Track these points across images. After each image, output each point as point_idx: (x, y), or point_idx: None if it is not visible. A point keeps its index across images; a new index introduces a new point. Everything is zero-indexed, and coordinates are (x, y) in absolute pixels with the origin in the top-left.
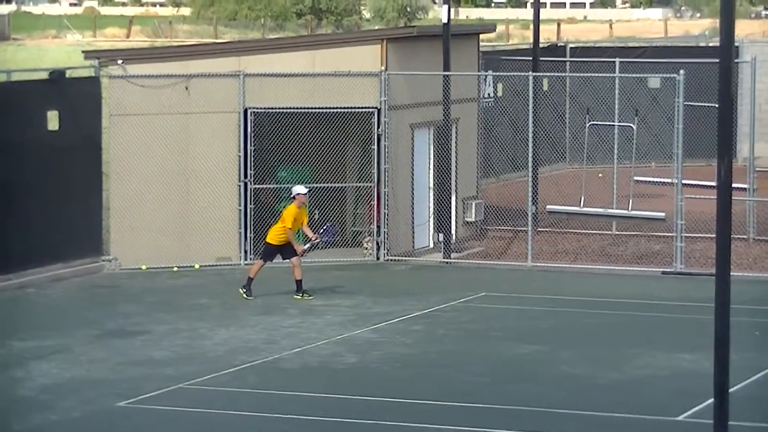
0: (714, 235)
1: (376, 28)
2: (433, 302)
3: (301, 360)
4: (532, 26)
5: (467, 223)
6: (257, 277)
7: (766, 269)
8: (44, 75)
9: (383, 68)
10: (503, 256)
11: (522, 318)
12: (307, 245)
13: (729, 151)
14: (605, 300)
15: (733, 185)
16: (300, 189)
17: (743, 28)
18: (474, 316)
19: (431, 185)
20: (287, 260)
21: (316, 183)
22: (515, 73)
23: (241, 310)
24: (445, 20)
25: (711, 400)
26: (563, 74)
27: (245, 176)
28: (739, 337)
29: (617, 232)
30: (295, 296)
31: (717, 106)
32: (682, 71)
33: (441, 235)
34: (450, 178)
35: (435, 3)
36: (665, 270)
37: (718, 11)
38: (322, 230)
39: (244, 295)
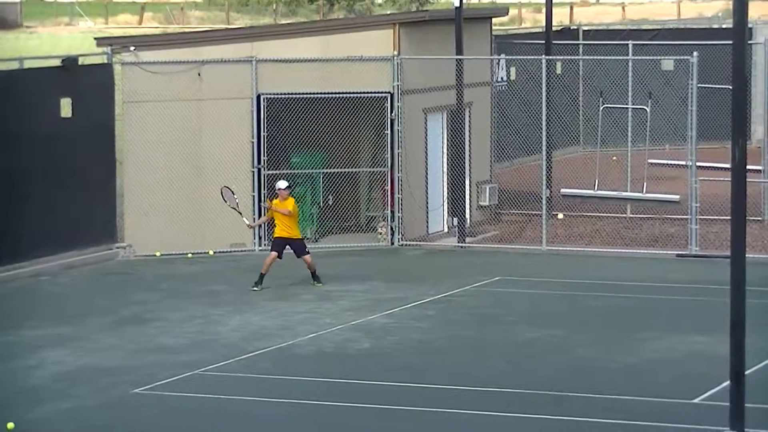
0: (729, 218)
1: (389, 12)
2: (447, 287)
3: (315, 346)
4: (544, 9)
5: (481, 207)
6: (260, 266)
7: None
8: (57, 62)
9: (396, 53)
10: (517, 240)
11: (536, 302)
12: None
13: (743, 133)
14: (620, 283)
15: (748, 167)
16: (281, 184)
17: (756, 10)
18: (488, 301)
19: (445, 170)
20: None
21: (330, 168)
22: (528, 57)
23: (255, 297)
24: (457, 4)
25: (727, 383)
26: (576, 57)
27: (259, 162)
28: (755, 319)
29: (632, 215)
30: (317, 283)
31: (731, 87)
32: (695, 53)
33: (455, 220)
34: (464, 163)
35: None
36: (680, 253)
37: None
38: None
39: (255, 288)
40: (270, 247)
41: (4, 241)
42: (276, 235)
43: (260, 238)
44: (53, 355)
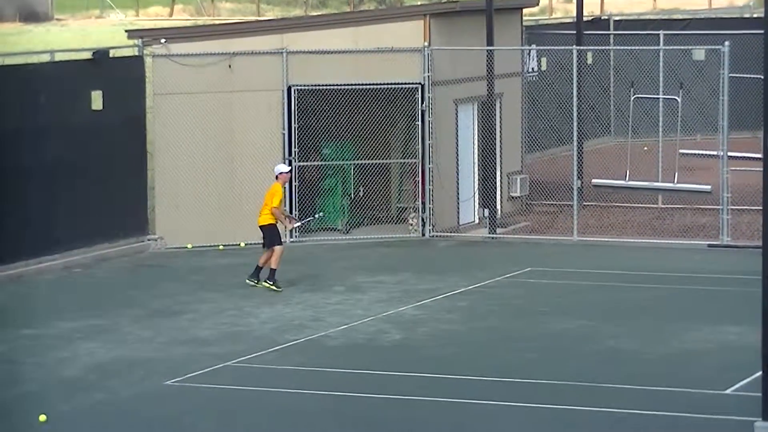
0: (760, 208)
1: (419, 3)
2: (478, 278)
3: (346, 337)
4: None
5: (512, 198)
6: (292, 258)
7: None
8: (88, 55)
9: (426, 44)
10: (549, 230)
11: (568, 293)
12: (297, 224)
13: None
14: (651, 274)
15: None
16: (283, 168)
17: None
18: (520, 292)
19: (476, 160)
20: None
21: (361, 159)
22: (559, 47)
23: (286, 288)
24: None
25: (758, 373)
26: (607, 48)
27: (290, 154)
28: None
29: (663, 206)
30: (247, 280)
31: (762, 77)
32: (727, 43)
33: (486, 211)
34: (495, 153)
35: None
36: (711, 243)
37: None
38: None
39: (274, 288)
40: (272, 243)
41: (36, 233)
42: (269, 222)
43: (291, 230)
44: (86, 346)
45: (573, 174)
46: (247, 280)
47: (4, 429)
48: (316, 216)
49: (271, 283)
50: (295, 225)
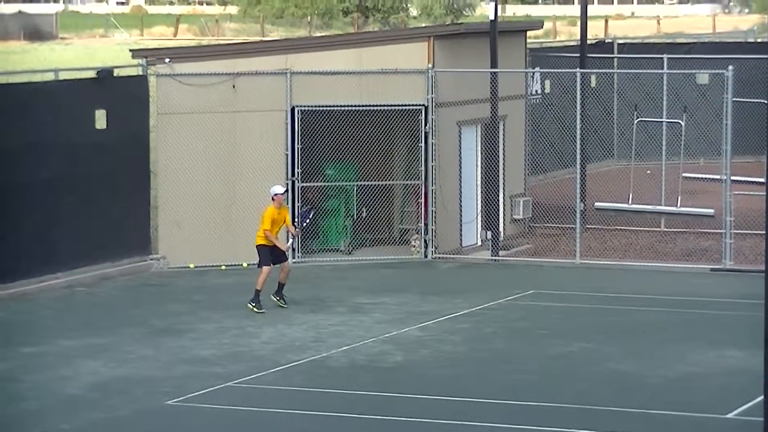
0: (763, 232)
1: (423, 25)
2: (481, 300)
3: (348, 358)
4: (579, 23)
5: (515, 220)
6: (294, 278)
7: None
8: (92, 74)
9: (430, 65)
10: (551, 253)
11: (570, 315)
12: (290, 241)
13: None
14: (653, 297)
15: None
16: (278, 189)
17: None
18: (522, 314)
19: (479, 183)
20: (278, 264)
21: (364, 181)
22: (563, 70)
23: (288, 309)
24: (492, 17)
25: (760, 398)
26: (611, 71)
27: (293, 174)
28: None
29: (666, 229)
30: (272, 297)
31: (766, 102)
32: (730, 67)
33: (489, 233)
34: (498, 176)
35: (482, 0)
36: (714, 267)
37: (767, 6)
38: (299, 218)
39: (255, 310)
40: (259, 263)
41: (39, 252)
42: (260, 243)
43: (294, 250)
44: (88, 365)
45: (576, 197)
46: (272, 297)
47: None
48: (308, 220)
49: (254, 305)
50: (292, 239)
